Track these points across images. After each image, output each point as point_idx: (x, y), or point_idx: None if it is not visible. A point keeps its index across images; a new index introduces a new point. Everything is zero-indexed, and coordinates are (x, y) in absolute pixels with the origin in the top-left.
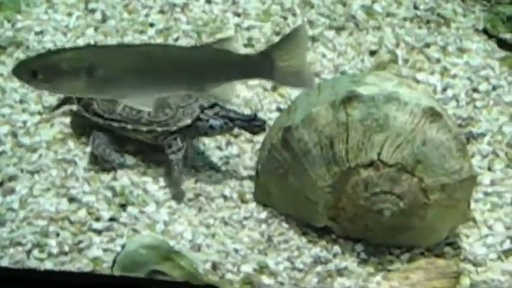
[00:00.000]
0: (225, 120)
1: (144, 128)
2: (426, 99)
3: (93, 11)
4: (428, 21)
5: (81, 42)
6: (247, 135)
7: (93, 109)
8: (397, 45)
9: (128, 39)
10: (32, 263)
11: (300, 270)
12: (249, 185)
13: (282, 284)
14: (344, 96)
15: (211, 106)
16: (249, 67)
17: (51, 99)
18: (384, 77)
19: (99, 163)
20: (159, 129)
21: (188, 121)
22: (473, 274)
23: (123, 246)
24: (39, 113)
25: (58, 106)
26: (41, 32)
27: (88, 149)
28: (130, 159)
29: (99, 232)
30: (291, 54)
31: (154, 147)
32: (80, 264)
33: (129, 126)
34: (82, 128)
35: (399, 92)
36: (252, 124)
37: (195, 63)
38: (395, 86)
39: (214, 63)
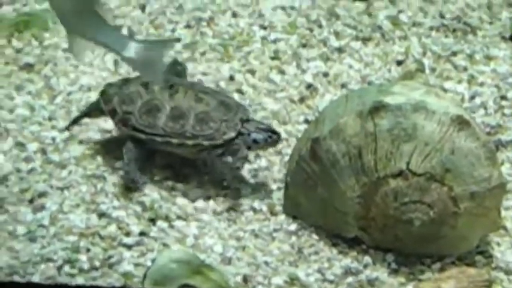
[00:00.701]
0: (269, 134)
1: (190, 142)
2: (454, 107)
3: (119, 27)
4: (454, 30)
5: (108, 58)
6: (276, 147)
7: (132, 124)
8: (424, 54)
9: None
10: (63, 279)
11: (331, 282)
12: (278, 197)
13: None
14: (371, 106)
15: (248, 120)
16: None
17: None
18: (411, 86)
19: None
20: (205, 143)
21: (232, 134)
22: (505, 282)
23: (153, 261)
24: (68, 130)
25: (78, 119)
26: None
27: (117, 164)
28: (159, 174)
29: (129, 247)
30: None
31: (183, 161)
32: (111, 279)
33: (174, 141)
34: (112, 143)
35: (427, 101)
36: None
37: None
38: (422, 95)
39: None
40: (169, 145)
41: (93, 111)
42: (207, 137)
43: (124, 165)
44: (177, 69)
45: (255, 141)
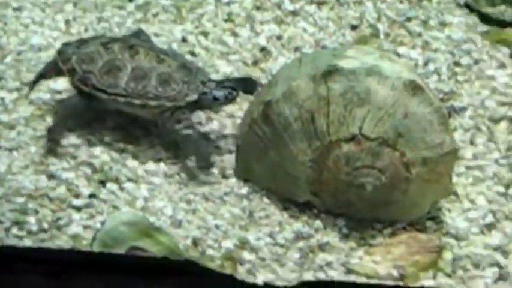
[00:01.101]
0: (228, 90)
1: (153, 103)
2: (407, 72)
3: None
4: None
5: (59, 18)
6: (228, 110)
7: (93, 84)
8: (379, 19)
9: (106, 14)
10: (11, 241)
11: (282, 246)
12: (229, 161)
13: (263, 259)
14: (325, 70)
15: (209, 80)
16: None
17: (29, 75)
18: (364, 50)
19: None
20: (168, 104)
21: (195, 96)
22: (455, 248)
23: (102, 223)
24: (17, 90)
25: (36, 81)
26: (19, 8)
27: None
28: (109, 135)
29: (78, 209)
30: None
31: (134, 123)
32: (60, 242)
33: (136, 101)
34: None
35: (380, 66)
36: (249, 83)
37: None
38: (376, 60)
39: None
40: (130, 106)
41: (48, 72)
42: (170, 98)
43: (56, 120)
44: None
45: (215, 98)
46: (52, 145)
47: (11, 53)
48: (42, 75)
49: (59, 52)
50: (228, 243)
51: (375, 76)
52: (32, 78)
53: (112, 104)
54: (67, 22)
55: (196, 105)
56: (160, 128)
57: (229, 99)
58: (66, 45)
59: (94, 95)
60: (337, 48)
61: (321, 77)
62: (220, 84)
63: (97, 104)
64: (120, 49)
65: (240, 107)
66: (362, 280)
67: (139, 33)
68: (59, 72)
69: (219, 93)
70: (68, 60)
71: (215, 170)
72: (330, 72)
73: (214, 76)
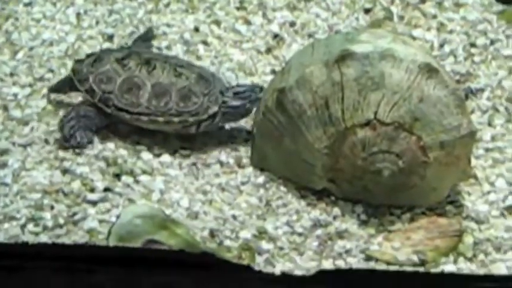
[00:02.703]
0: (245, 101)
1: (176, 119)
2: (422, 55)
3: None
4: None
5: (71, 11)
6: None
7: (115, 104)
8: (392, 2)
9: (118, 6)
10: (27, 237)
11: (300, 234)
12: (245, 150)
13: (281, 248)
14: (338, 55)
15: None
16: None
17: (42, 70)
18: (378, 34)
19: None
20: (191, 119)
21: (216, 108)
22: (476, 232)
23: (118, 217)
24: (30, 85)
25: (50, 93)
26: (30, 3)
27: None
28: (123, 128)
29: (94, 203)
30: None
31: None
32: (76, 237)
33: (160, 119)
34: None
35: (394, 49)
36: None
37: None
38: (390, 43)
39: None
40: (154, 123)
41: (63, 88)
42: (192, 112)
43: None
44: (147, 36)
45: (233, 107)
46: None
47: (22, 49)
48: (57, 90)
49: (74, 71)
50: (246, 234)
51: (389, 60)
52: (45, 91)
53: (134, 123)
54: (78, 16)
55: (217, 117)
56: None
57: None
58: (79, 62)
59: (116, 115)
60: (350, 33)
61: (334, 62)
62: (233, 90)
63: (117, 122)
64: (136, 65)
65: None
66: (382, 267)
67: (149, 33)
68: (74, 89)
69: (237, 103)
70: (86, 80)
71: (231, 160)
72: (343, 57)
73: (228, 65)
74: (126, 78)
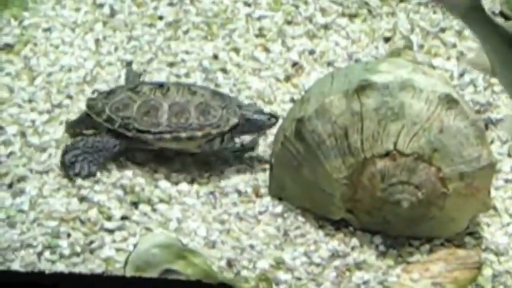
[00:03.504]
0: (268, 116)
1: (199, 133)
2: (442, 85)
3: (101, 5)
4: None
5: (89, 38)
6: None
7: (135, 127)
8: (412, 30)
9: (136, 33)
10: (44, 265)
11: (318, 265)
12: (263, 179)
13: (299, 279)
14: (357, 85)
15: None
16: None
17: (60, 97)
18: (398, 63)
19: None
20: (213, 131)
21: (236, 120)
22: (495, 264)
23: (135, 246)
24: (48, 112)
25: (68, 129)
26: (49, 29)
27: None
28: (141, 156)
29: (111, 231)
30: None
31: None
32: (92, 265)
33: (183, 135)
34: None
35: (414, 79)
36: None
37: None
38: (410, 73)
39: None
40: (177, 140)
41: (78, 126)
42: (214, 125)
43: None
44: (131, 77)
45: (256, 122)
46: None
47: (41, 75)
48: (73, 128)
49: (89, 107)
50: (263, 264)
51: (409, 90)
52: (63, 118)
53: (157, 143)
54: (97, 42)
55: (239, 130)
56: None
57: (270, 123)
58: (93, 99)
59: (138, 137)
60: (369, 62)
61: (353, 92)
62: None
63: (140, 146)
64: (150, 90)
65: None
66: None
67: (130, 73)
68: (90, 125)
69: (260, 117)
70: (103, 112)
71: (249, 189)
72: (363, 87)
73: (247, 93)
74: (142, 102)
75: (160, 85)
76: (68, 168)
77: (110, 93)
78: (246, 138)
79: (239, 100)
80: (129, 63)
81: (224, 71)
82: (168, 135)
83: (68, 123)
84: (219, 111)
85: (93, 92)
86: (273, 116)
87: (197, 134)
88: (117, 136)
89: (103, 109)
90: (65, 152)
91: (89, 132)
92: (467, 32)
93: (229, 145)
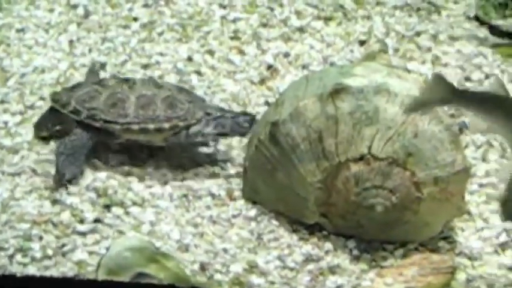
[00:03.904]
0: (236, 113)
1: (167, 125)
2: (417, 89)
3: (75, 6)
4: (418, 9)
5: (63, 39)
6: None
7: (102, 118)
8: (387, 34)
9: (111, 34)
10: (15, 268)
11: (291, 269)
12: (237, 182)
13: (272, 283)
14: (332, 89)
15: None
16: None
17: (33, 98)
18: (372, 67)
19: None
20: (181, 123)
21: (201, 113)
22: (469, 269)
23: (107, 249)
24: (21, 113)
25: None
26: (22, 30)
27: None
28: (114, 158)
29: (83, 234)
30: None
31: (139, 145)
32: (64, 268)
33: (151, 126)
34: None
35: (389, 83)
36: (242, 121)
37: None
38: (384, 77)
39: None
40: (144, 132)
41: (44, 124)
42: (181, 118)
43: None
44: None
45: (222, 116)
46: (64, 183)
47: (14, 76)
48: (40, 128)
49: (54, 100)
50: (237, 267)
51: (383, 94)
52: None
53: (125, 135)
54: (71, 43)
55: (206, 125)
56: (166, 151)
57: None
58: (57, 93)
59: (106, 128)
60: (344, 66)
61: (328, 96)
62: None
63: (107, 138)
64: (116, 83)
65: None
66: None
67: (94, 68)
68: (56, 121)
69: (227, 114)
70: (68, 104)
71: (222, 192)
72: (338, 91)
73: (221, 96)
74: (109, 94)
75: (126, 79)
76: (62, 177)
77: (75, 87)
78: (210, 132)
79: (204, 99)
80: (103, 65)
81: (199, 73)
82: (135, 126)
83: (34, 125)
84: (186, 105)
85: None
86: (247, 114)
87: (164, 126)
88: (85, 129)
89: (68, 101)
90: (57, 166)
91: (55, 128)
92: (442, 36)
93: (195, 139)
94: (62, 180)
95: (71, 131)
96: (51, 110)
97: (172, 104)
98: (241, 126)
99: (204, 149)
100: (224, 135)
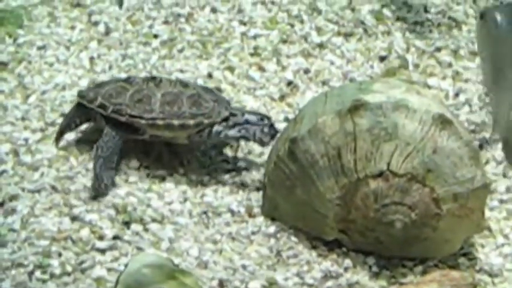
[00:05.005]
0: (261, 116)
1: (191, 122)
2: (436, 105)
3: (96, 23)
4: (439, 25)
5: (84, 56)
6: (255, 146)
7: (128, 113)
8: (407, 50)
9: (131, 51)
10: (35, 285)
11: (310, 286)
12: (256, 199)
13: None
14: (351, 105)
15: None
16: None
17: (54, 115)
18: (391, 84)
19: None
20: (206, 121)
21: (227, 113)
22: (489, 285)
23: (126, 266)
24: (41, 130)
25: (61, 134)
26: (43, 47)
27: (91, 165)
28: (133, 175)
29: (102, 251)
30: None
31: (159, 162)
32: (83, 285)
33: (176, 122)
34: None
35: (408, 99)
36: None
37: None
38: (403, 93)
39: None
40: (169, 128)
41: (71, 121)
42: (206, 115)
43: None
44: None
45: (247, 121)
46: (103, 189)
47: (35, 93)
48: (66, 126)
49: (81, 97)
50: (256, 284)
51: (402, 110)
52: (56, 132)
53: (150, 130)
54: (91, 60)
55: (230, 125)
56: (186, 167)
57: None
58: (83, 91)
59: (131, 123)
60: (363, 82)
61: (347, 112)
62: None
63: (133, 134)
64: (142, 81)
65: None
66: None
67: None
68: (83, 118)
69: (252, 117)
70: (95, 100)
71: (242, 209)
72: (356, 108)
73: None
74: (135, 91)
75: (153, 77)
76: (101, 181)
77: (101, 84)
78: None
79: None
80: None
81: (219, 89)
82: (161, 122)
83: (58, 131)
84: (211, 103)
85: None
86: (266, 117)
87: (189, 123)
88: (112, 126)
89: (95, 97)
90: (96, 174)
91: (82, 125)
92: (463, 52)
93: (217, 139)
94: (101, 187)
95: (99, 127)
96: (78, 107)
97: (198, 101)
98: (265, 135)
99: (224, 165)
100: (246, 139)
